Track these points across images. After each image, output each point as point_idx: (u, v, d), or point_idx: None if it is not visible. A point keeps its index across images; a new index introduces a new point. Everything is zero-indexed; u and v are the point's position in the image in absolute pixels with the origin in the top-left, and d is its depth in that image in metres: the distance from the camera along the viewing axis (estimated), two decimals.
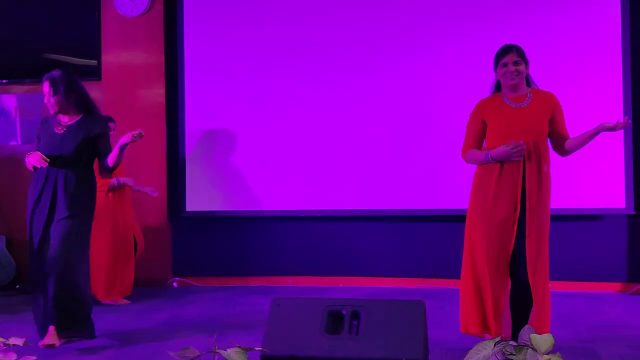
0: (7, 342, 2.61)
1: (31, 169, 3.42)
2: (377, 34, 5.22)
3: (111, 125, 4.31)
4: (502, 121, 3.15)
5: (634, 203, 4.83)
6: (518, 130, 3.09)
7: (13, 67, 5.51)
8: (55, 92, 3.49)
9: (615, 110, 4.82)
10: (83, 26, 5.44)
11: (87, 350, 3.33)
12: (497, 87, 3.27)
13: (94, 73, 5.38)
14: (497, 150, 3.03)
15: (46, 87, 3.50)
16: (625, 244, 4.96)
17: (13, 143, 5.59)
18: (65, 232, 3.42)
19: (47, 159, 3.34)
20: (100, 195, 4.42)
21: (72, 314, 3.50)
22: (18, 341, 2.62)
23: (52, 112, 3.55)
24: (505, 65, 3.11)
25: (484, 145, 3.24)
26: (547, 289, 3.15)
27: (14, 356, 2.54)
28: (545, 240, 3.10)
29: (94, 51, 5.41)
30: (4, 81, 5.56)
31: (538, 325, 2.99)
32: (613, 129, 3.08)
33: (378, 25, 5.23)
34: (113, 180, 4.60)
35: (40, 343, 3.39)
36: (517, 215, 3.07)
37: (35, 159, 3.33)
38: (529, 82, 3.25)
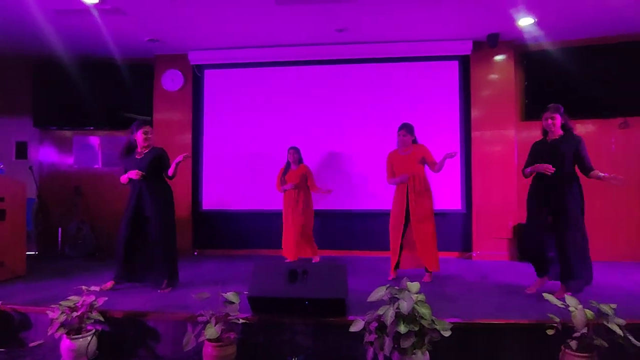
0: (88, 289, 2.92)
1: (126, 182, 3.63)
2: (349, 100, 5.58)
3: None
4: (399, 163, 4.16)
5: (466, 205, 5.43)
6: (405, 167, 4.12)
7: (97, 119, 5.79)
8: (153, 133, 3.84)
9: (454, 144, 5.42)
10: (142, 95, 5.78)
11: (137, 292, 3.54)
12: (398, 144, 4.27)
13: (149, 125, 5.10)
14: (401, 177, 4.07)
15: (148, 128, 3.75)
16: (460, 229, 5.49)
17: (96, 166, 5.99)
18: (160, 221, 3.63)
19: (143, 173, 3.59)
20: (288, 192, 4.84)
21: (165, 269, 3.63)
22: (95, 288, 2.97)
23: (146, 144, 3.71)
24: (399, 136, 4.16)
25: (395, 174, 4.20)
26: (434, 246, 4.07)
27: (93, 297, 2.85)
28: (431, 222, 4.02)
29: (149, 111, 5.82)
30: (91, 128, 5.93)
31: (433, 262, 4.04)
32: (451, 156, 4.04)
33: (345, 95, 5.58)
34: (288, 186, 4.83)
35: (109, 285, 3.61)
36: (405, 209, 4.07)
37: (133, 174, 3.58)
38: (415, 140, 4.20)
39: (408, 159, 4.10)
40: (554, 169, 3.34)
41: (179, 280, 3.82)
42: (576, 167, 3.47)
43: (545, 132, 3.59)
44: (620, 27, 4.97)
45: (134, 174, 3.57)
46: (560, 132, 3.50)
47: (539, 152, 3.56)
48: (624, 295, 3.44)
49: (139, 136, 3.71)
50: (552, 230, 3.44)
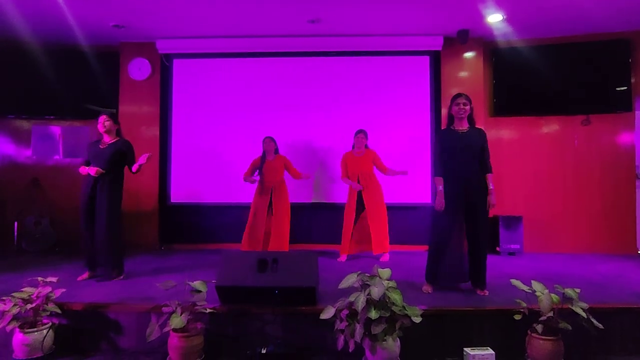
0: (45, 280, 2.83)
1: (85, 174, 3.63)
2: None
3: None
4: (353, 163, 4.72)
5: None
6: (358, 167, 4.68)
7: (59, 108, 5.56)
8: (109, 120, 3.80)
9: (425, 139, 5.45)
10: (108, 85, 5.57)
11: (98, 284, 3.54)
12: (353, 146, 4.79)
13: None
14: (353, 184, 4.64)
15: (104, 117, 3.79)
16: (429, 223, 5.22)
17: (57, 157, 5.75)
18: (106, 212, 3.64)
19: (102, 170, 3.61)
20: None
21: (112, 257, 3.69)
22: (53, 279, 2.86)
23: (103, 130, 3.77)
24: (358, 138, 4.69)
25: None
26: (386, 231, 4.64)
27: (49, 288, 2.75)
28: (384, 211, 4.63)
29: (115, 102, 5.63)
30: (51, 117, 5.68)
31: (382, 244, 4.61)
32: (404, 173, 4.67)
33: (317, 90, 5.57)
34: (255, 177, 4.79)
35: (80, 277, 3.64)
36: (356, 204, 4.66)
37: (93, 170, 3.58)
38: (367, 145, 4.76)
39: (361, 160, 4.70)
40: (464, 163, 3.18)
41: (142, 273, 3.76)
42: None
43: (451, 120, 3.34)
44: (586, 26, 5.15)
45: (94, 170, 3.60)
46: (467, 124, 3.30)
47: (451, 142, 3.25)
48: (587, 283, 3.54)
49: (98, 125, 3.80)
50: (461, 228, 3.28)
